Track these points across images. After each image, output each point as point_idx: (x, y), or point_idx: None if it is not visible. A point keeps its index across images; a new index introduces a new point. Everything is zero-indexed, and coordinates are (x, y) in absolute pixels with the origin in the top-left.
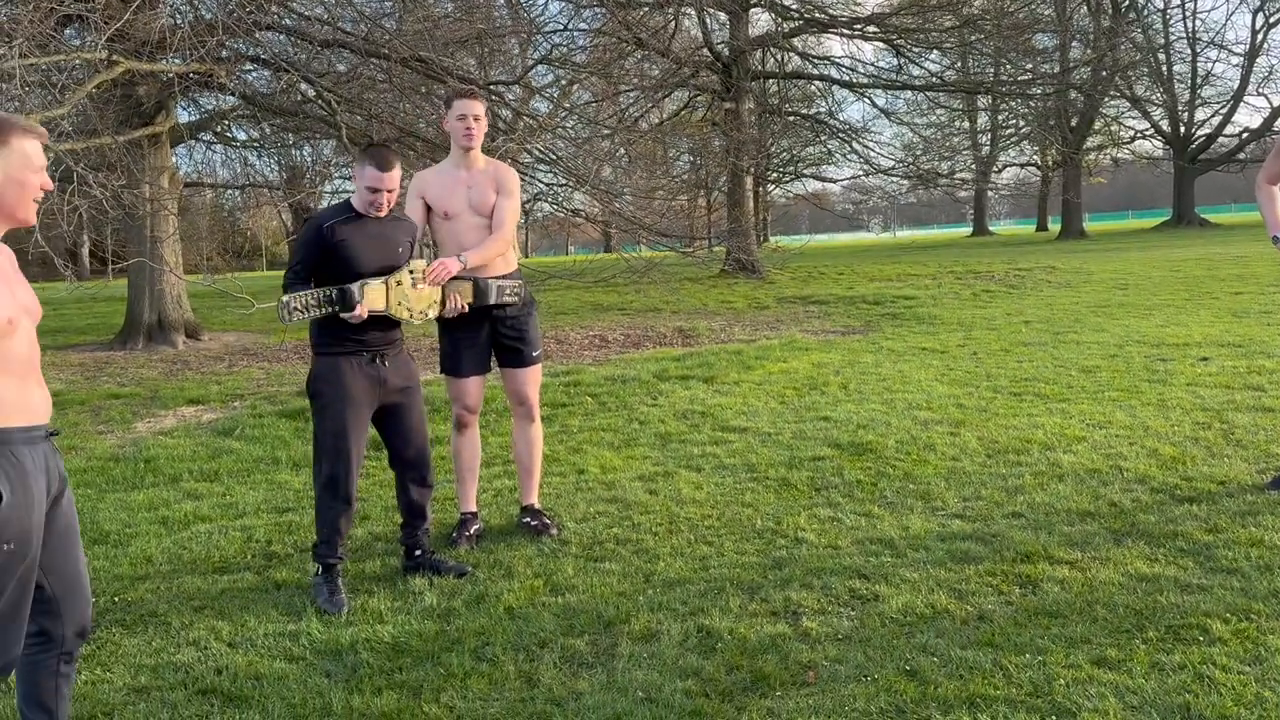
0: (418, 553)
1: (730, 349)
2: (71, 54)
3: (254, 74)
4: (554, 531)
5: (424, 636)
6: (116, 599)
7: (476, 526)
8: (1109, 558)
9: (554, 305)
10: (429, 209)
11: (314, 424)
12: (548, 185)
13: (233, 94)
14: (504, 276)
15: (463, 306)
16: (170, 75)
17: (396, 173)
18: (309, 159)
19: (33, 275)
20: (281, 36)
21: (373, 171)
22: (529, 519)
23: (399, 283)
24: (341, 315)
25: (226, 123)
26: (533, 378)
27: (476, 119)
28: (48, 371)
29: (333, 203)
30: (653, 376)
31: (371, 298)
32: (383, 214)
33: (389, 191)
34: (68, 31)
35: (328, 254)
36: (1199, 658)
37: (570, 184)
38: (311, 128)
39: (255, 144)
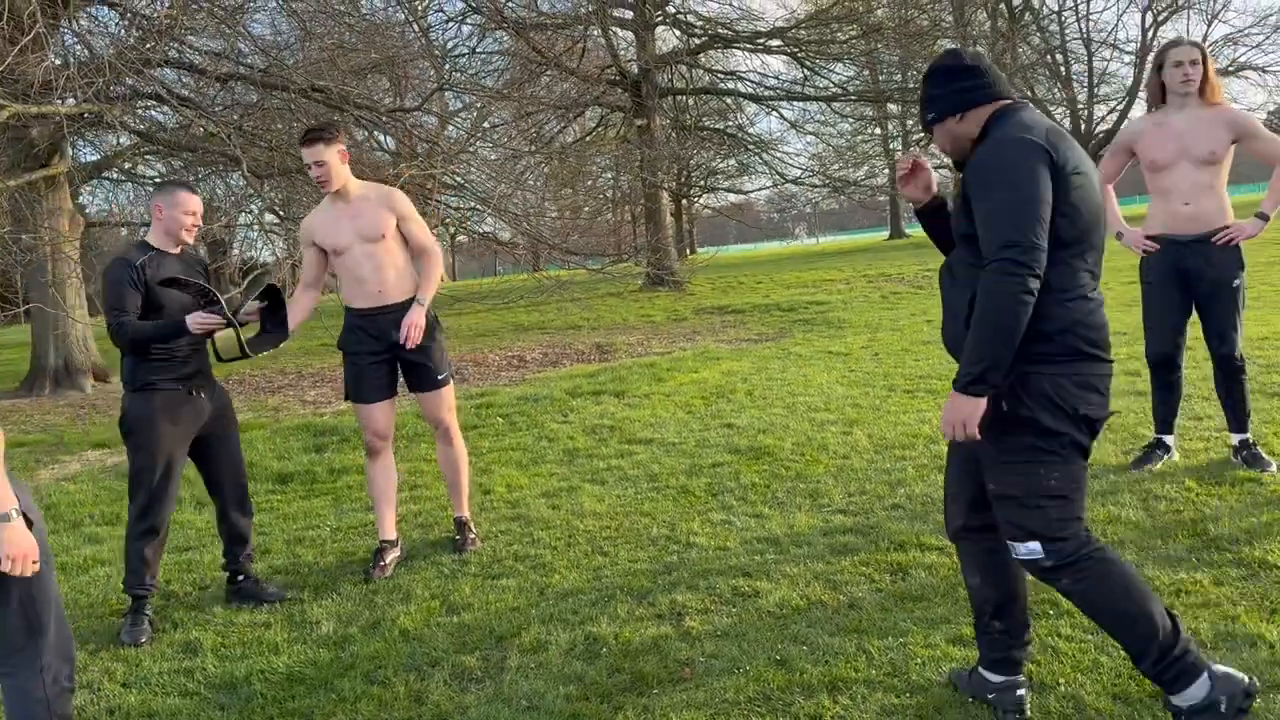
0: (240, 578)
1: (644, 362)
2: None
3: (155, 110)
4: (473, 547)
5: (318, 664)
6: None
7: (394, 555)
8: None
9: (474, 327)
10: (323, 251)
11: (129, 459)
12: (456, 209)
13: (130, 132)
14: (405, 302)
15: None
16: (60, 117)
17: (199, 199)
18: (219, 192)
19: None
20: (181, 72)
21: (185, 194)
22: (456, 534)
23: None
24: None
25: (132, 160)
26: (443, 400)
27: (320, 164)
28: None
29: (134, 242)
30: (565, 394)
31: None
32: (190, 240)
33: (200, 214)
34: None
35: (144, 293)
36: (1047, 630)
37: (478, 208)
38: (218, 161)
39: (163, 179)
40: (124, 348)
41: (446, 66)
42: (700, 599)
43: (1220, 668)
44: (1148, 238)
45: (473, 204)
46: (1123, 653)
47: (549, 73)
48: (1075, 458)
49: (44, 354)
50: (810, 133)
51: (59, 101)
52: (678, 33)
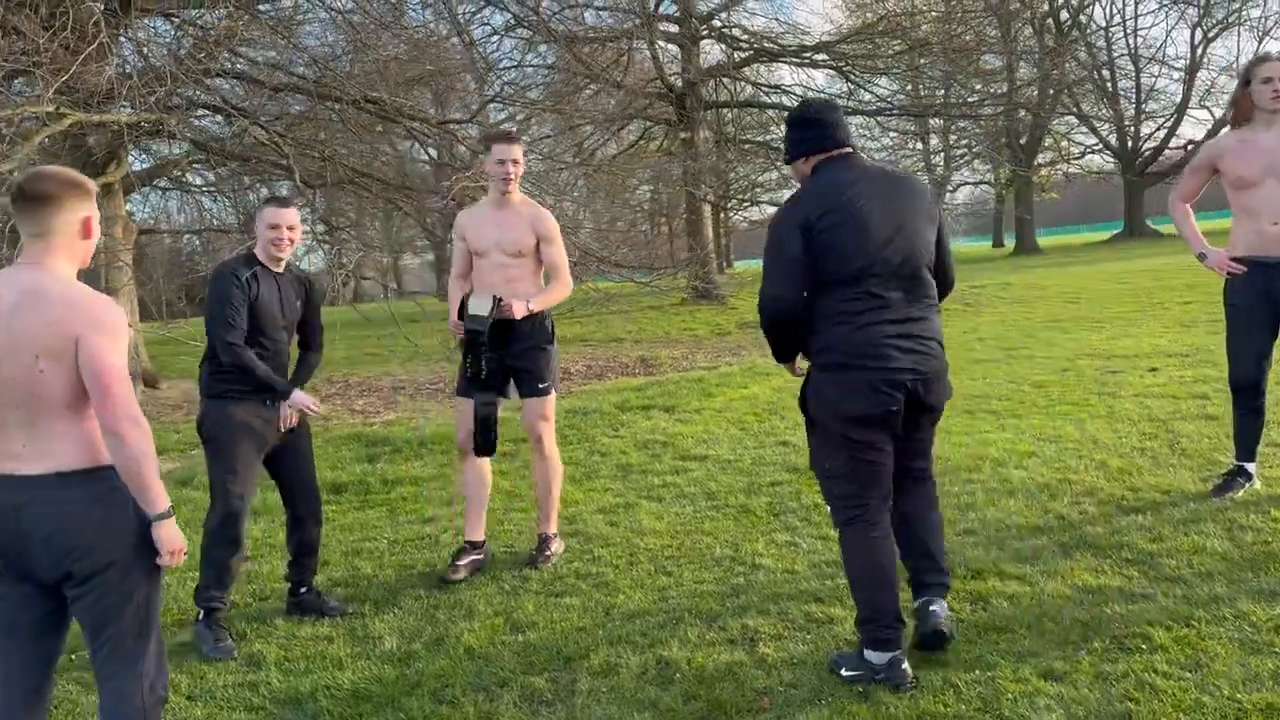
0: (303, 590)
1: (692, 377)
2: (18, 108)
3: (206, 120)
4: (545, 564)
5: (384, 681)
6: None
7: (474, 557)
8: (1057, 571)
9: None
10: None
11: (208, 467)
12: None
13: (185, 141)
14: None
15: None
16: (119, 125)
17: (294, 211)
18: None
19: None
20: (232, 82)
21: (270, 209)
22: (534, 550)
23: None
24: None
25: (180, 169)
26: (541, 407)
27: (515, 162)
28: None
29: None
30: (614, 407)
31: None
32: (284, 254)
33: (289, 228)
34: (16, 83)
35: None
36: (1141, 666)
37: None
38: (267, 171)
39: (211, 188)
40: (226, 364)
41: (495, 79)
42: (772, 624)
43: (903, 661)
44: (1232, 259)
45: None
46: (1226, 692)
47: (592, 86)
48: (849, 448)
49: None
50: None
51: (118, 110)
52: (723, 47)
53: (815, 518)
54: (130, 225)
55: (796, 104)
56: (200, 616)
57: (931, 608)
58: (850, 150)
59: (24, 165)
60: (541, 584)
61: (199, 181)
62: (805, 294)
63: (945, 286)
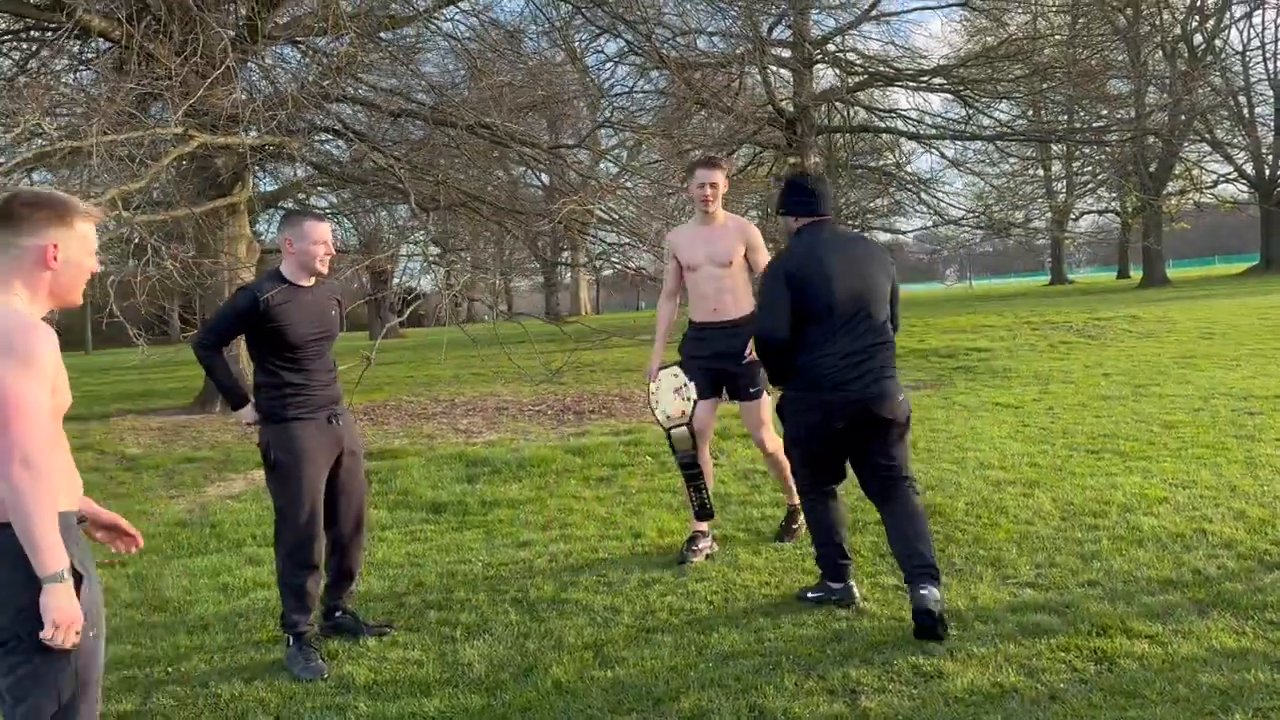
0: (338, 614)
1: None
2: (148, 130)
3: (328, 144)
4: (791, 539)
5: (470, 711)
6: (170, 670)
7: (705, 544)
8: (1192, 631)
9: (619, 363)
10: (679, 265)
11: (273, 492)
12: (612, 245)
13: (305, 164)
14: (735, 320)
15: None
16: (244, 148)
17: (329, 224)
18: (385, 224)
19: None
20: (354, 108)
21: (311, 224)
22: (784, 521)
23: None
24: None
25: (304, 192)
26: (755, 413)
27: (714, 185)
28: (129, 436)
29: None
30: (714, 434)
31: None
32: (326, 270)
33: (330, 243)
34: (154, 106)
35: (259, 325)
36: None
37: (633, 243)
38: (385, 194)
39: (333, 210)
40: (199, 361)
41: (605, 105)
42: (876, 676)
43: (853, 586)
44: None
45: (626, 239)
46: None
47: (702, 111)
48: (809, 440)
49: None
50: (975, 173)
51: (243, 133)
52: (836, 71)
53: None
54: (254, 245)
55: (792, 174)
56: (289, 641)
57: (921, 590)
58: (828, 218)
59: (152, 185)
60: (633, 616)
61: (322, 204)
62: (787, 325)
63: (892, 326)
